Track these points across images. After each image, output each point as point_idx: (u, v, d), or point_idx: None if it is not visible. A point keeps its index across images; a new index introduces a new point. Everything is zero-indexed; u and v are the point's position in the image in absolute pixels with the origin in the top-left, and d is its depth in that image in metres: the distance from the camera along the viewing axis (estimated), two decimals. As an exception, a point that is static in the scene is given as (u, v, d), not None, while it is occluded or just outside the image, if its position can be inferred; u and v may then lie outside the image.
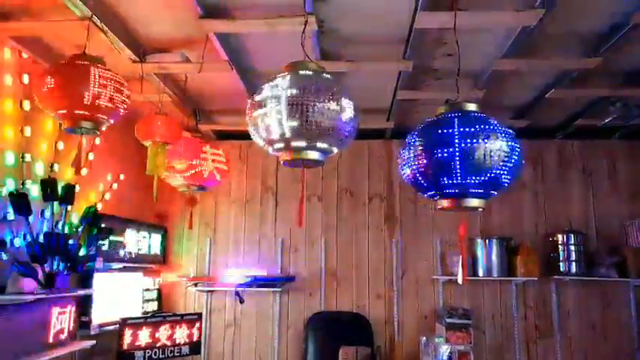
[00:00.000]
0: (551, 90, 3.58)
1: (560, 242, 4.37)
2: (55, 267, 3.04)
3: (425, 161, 1.65)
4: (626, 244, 4.39)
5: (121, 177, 4.35)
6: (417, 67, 3.28)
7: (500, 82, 3.57)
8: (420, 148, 1.67)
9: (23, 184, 3.00)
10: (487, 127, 1.61)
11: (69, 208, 3.29)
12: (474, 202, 1.70)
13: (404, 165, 1.78)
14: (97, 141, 3.92)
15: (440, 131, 1.62)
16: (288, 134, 1.76)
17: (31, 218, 2.86)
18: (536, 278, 4.31)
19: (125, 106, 2.43)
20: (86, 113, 2.31)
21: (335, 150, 1.82)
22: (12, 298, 2.63)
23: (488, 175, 1.57)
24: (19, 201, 2.76)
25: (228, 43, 3.01)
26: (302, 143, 1.77)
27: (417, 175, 1.70)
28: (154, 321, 3.70)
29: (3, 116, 2.90)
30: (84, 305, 3.45)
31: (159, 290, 4.70)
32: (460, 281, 1.80)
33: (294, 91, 1.75)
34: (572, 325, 4.47)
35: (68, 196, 3.21)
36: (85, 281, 3.46)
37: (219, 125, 4.76)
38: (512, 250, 4.41)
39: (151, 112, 3.21)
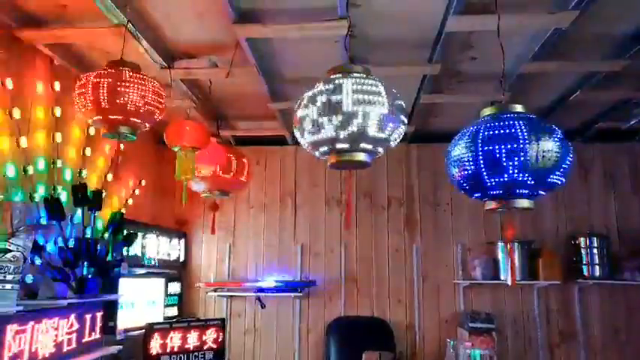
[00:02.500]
0: (577, 92, 3.58)
1: (582, 245, 4.35)
2: (85, 272, 3.05)
3: (476, 161, 1.65)
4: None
5: (143, 183, 4.36)
6: (441, 70, 3.29)
7: (524, 84, 3.57)
8: (471, 148, 1.67)
9: (54, 189, 3.02)
10: (539, 127, 1.62)
11: (97, 213, 3.31)
12: (524, 203, 1.70)
13: (451, 165, 1.79)
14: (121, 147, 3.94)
15: (496, 131, 1.62)
16: (333, 137, 1.76)
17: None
18: (559, 282, 4.29)
19: (161, 111, 2.45)
20: (124, 118, 2.32)
21: (381, 151, 1.83)
22: (46, 303, 2.64)
23: (541, 175, 1.58)
24: (53, 206, 2.77)
25: (257, 49, 3.02)
26: (348, 145, 1.78)
27: (466, 174, 1.70)
28: (180, 326, 3.70)
29: (36, 123, 2.93)
30: (110, 310, 3.45)
31: (179, 295, 4.70)
32: (509, 283, 1.80)
33: (340, 94, 1.76)
34: (596, 329, 4.44)
35: (96, 201, 3.22)
36: (112, 286, 3.47)
37: (239, 131, 4.78)
38: (534, 254, 4.39)
39: (179, 117, 3.22)
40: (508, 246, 1.69)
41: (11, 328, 2.20)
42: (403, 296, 4.65)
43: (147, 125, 2.44)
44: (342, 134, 1.73)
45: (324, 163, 4.92)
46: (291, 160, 4.97)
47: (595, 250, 4.31)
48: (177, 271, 4.72)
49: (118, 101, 2.27)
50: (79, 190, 3.04)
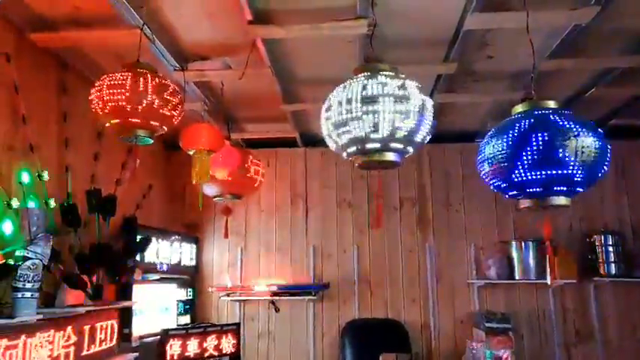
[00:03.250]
0: (592, 89, 3.55)
1: (597, 243, 4.31)
2: (100, 279, 3.02)
3: (511, 159, 1.62)
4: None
5: (152, 187, 4.33)
6: (456, 69, 3.25)
7: (539, 82, 3.52)
8: (506, 145, 1.64)
9: (68, 195, 2.99)
10: (577, 123, 1.59)
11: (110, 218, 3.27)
12: (561, 200, 1.66)
13: (483, 162, 1.75)
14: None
15: (531, 128, 1.59)
16: (362, 137, 1.72)
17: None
18: (575, 281, 4.24)
19: (179, 113, 2.41)
20: (143, 121, 2.28)
21: (411, 150, 1.79)
22: (65, 311, 2.60)
23: (580, 171, 1.54)
24: (69, 213, 2.74)
25: (271, 49, 2.99)
26: (377, 145, 1.74)
27: (501, 172, 1.67)
28: (195, 332, 3.66)
29: (47, 130, 2.89)
30: (124, 317, 3.42)
31: (192, 301, 4.66)
32: (549, 282, 1.76)
33: (367, 93, 1.73)
34: (613, 327, 4.39)
35: (110, 206, 3.19)
36: (125, 293, 3.44)
37: (249, 133, 4.75)
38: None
39: (192, 120, 3.19)
40: (547, 243, 1.66)
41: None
42: (417, 297, 4.61)
43: (165, 128, 2.40)
44: (374, 134, 1.69)
45: (334, 164, 4.90)
46: (302, 162, 4.93)
47: (610, 248, 4.27)
48: (190, 276, 4.68)
49: (135, 104, 2.24)
50: (93, 196, 3.01)
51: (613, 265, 4.26)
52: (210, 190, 3.82)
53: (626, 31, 2.87)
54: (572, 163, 1.53)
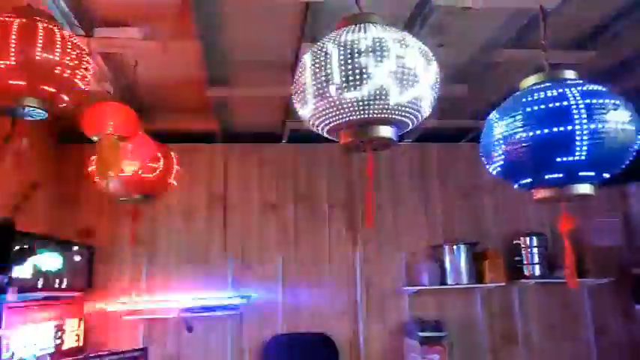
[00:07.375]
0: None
1: (523, 245, 4.32)
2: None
3: (528, 141, 1.33)
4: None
5: (36, 186, 3.53)
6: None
7: (481, 75, 3.40)
8: (521, 124, 1.34)
9: None
10: (611, 96, 1.34)
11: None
12: (584, 189, 1.41)
13: (494, 145, 1.43)
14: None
15: (553, 102, 1.31)
16: (350, 107, 1.33)
17: None
18: (503, 284, 4.21)
19: (87, 79, 1.83)
20: (34, 86, 1.67)
21: (410, 124, 1.43)
22: None
23: (616, 153, 1.30)
24: None
25: (203, 19, 2.49)
26: (369, 117, 1.35)
27: (513, 158, 1.37)
28: (93, 363, 2.97)
29: None
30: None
31: (83, 322, 3.86)
32: (571, 285, 1.50)
33: (354, 52, 1.34)
34: (536, 329, 4.40)
35: (-21, 206, 2.43)
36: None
37: (156, 124, 4.09)
38: (479, 256, 4.29)
39: (101, 98, 2.57)
40: (565, 240, 1.44)
41: None
42: (347, 308, 4.26)
43: (66, 98, 1.80)
44: (361, 102, 1.31)
45: (256, 163, 4.42)
46: (220, 159, 4.39)
47: (535, 250, 4.30)
48: (82, 293, 3.89)
49: (24, 61, 1.63)
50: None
51: (537, 266, 4.28)
52: (114, 188, 3.16)
53: (576, 25, 2.81)
54: (612, 141, 1.28)
